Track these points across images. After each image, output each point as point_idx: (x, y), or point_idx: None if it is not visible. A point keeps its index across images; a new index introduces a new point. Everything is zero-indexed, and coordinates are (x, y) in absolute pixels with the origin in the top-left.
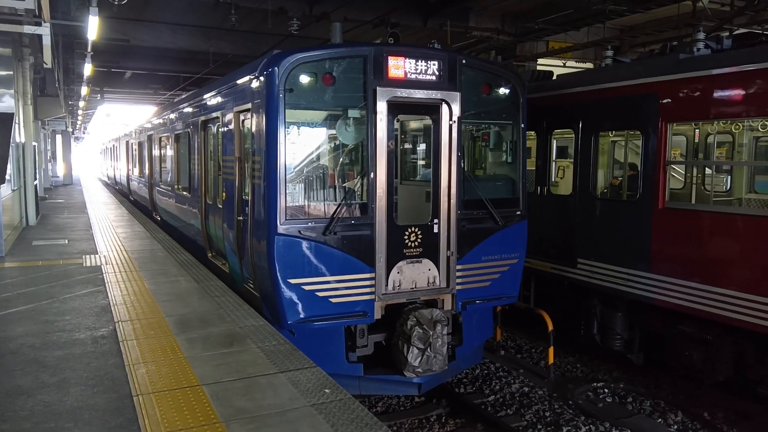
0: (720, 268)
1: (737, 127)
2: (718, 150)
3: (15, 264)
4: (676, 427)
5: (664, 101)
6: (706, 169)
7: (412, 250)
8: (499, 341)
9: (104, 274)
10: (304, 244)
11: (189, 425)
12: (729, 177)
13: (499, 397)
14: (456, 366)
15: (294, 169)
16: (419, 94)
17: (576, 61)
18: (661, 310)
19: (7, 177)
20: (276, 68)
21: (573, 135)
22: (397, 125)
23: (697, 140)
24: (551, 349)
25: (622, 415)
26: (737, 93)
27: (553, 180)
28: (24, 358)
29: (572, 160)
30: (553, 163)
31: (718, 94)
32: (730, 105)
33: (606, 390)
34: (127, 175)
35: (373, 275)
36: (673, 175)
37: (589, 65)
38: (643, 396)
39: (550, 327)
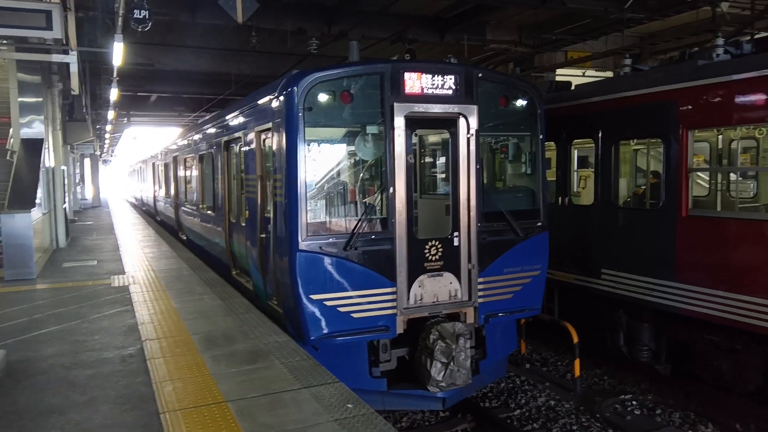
0: (748, 276)
1: (761, 132)
2: (743, 156)
3: (46, 285)
4: None
5: (684, 108)
6: (731, 175)
7: (432, 263)
8: (524, 354)
9: (132, 294)
10: (326, 260)
11: None
12: (755, 183)
13: (525, 411)
14: (480, 380)
15: (314, 186)
16: (436, 108)
17: (595, 71)
18: (688, 320)
19: (38, 201)
20: (295, 88)
21: (593, 144)
22: (415, 140)
23: (720, 146)
24: (577, 362)
25: (651, 427)
26: (759, 98)
27: (574, 190)
28: (55, 378)
29: (593, 170)
30: (574, 174)
31: (738, 99)
32: (751, 110)
33: (634, 402)
34: (154, 196)
35: (394, 290)
36: (698, 183)
37: (609, 74)
38: (672, 407)
39: (576, 339)
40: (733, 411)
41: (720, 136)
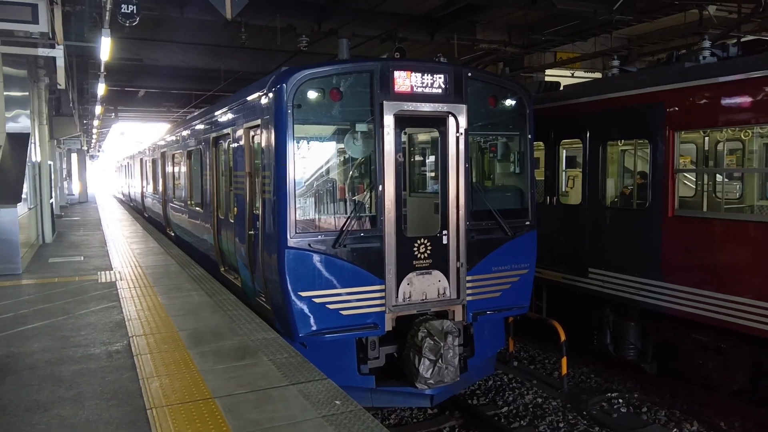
0: (733, 276)
1: (746, 134)
2: (729, 157)
3: (32, 281)
4: None
5: (671, 110)
6: (717, 176)
7: (421, 261)
8: (512, 352)
9: (119, 290)
10: (315, 257)
11: None
12: (741, 184)
13: (512, 409)
14: (468, 377)
15: (303, 183)
16: (426, 107)
17: (584, 71)
18: (674, 319)
19: (24, 196)
20: (284, 84)
21: (581, 145)
22: (404, 138)
23: (706, 148)
24: (564, 360)
25: (636, 425)
26: (744, 100)
27: (562, 190)
28: (40, 373)
29: (581, 170)
30: (563, 173)
31: (724, 101)
32: (737, 112)
33: (620, 400)
34: (141, 192)
35: (383, 287)
36: (685, 183)
37: (598, 75)
38: (658, 406)
39: (563, 337)
40: (718, 410)
41: (706, 138)
